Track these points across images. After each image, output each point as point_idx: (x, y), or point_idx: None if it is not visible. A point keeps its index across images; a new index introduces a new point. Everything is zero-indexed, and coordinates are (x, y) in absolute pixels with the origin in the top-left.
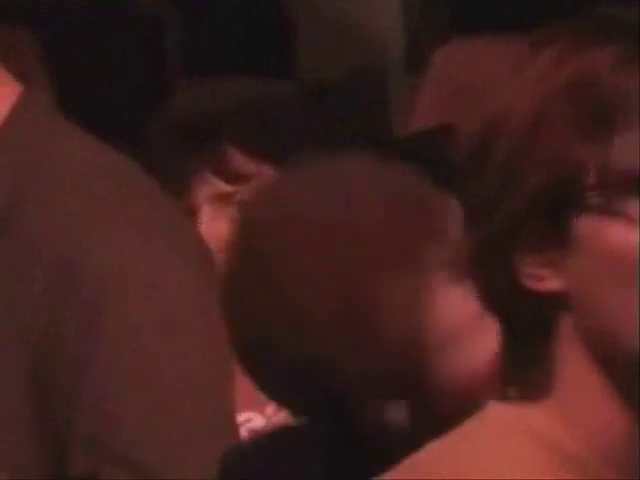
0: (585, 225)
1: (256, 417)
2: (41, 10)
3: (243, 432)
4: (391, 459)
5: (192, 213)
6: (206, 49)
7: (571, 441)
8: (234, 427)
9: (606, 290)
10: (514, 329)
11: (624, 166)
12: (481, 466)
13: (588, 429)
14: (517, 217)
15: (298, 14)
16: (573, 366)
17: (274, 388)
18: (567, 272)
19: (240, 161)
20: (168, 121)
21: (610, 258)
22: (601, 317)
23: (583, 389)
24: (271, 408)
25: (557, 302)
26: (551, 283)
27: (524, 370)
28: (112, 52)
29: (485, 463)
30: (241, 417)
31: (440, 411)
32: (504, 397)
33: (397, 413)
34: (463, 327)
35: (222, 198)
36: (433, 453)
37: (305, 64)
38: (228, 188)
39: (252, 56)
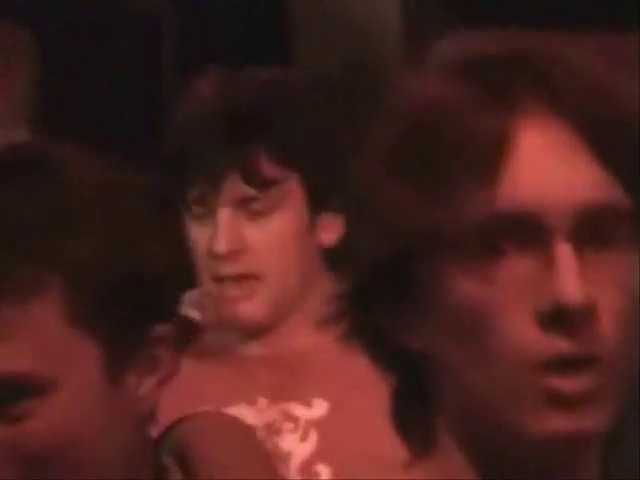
0: (433, 283)
1: (248, 411)
2: (38, 9)
3: None
4: None
5: (213, 212)
6: (204, 42)
7: None
8: None
9: (453, 346)
10: (398, 388)
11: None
12: None
13: None
14: (370, 276)
15: (296, 8)
16: (446, 437)
17: None
18: (425, 331)
19: (269, 166)
20: (199, 114)
21: (455, 314)
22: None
23: (455, 466)
24: (263, 402)
25: (426, 363)
26: (414, 341)
27: (409, 430)
28: (109, 51)
29: None
30: (233, 411)
31: None
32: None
33: None
34: None
35: (245, 201)
36: None
37: (303, 58)
38: (252, 192)
39: (250, 50)
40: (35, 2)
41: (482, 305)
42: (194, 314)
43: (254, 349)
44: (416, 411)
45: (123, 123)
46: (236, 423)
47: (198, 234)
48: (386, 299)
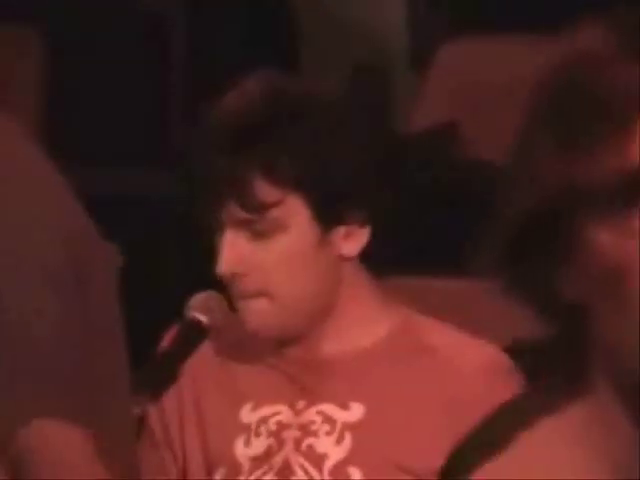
0: (579, 235)
1: (285, 411)
2: (42, 7)
3: (271, 424)
4: None
5: (220, 232)
6: (210, 48)
7: (618, 450)
8: None
9: (600, 296)
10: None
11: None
12: None
13: (629, 435)
14: (522, 229)
15: (302, 13)
16: (599, 378)
17: None
18: (576, 282)
19: (264, 190)
20: (207, 130)
21: (600, 266)
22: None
23: (607, 405)
24: (302, 404)
25: (579, 310)
26: (567, 291)
27: (566, 373)
28: (115, 50)
29: None
30: (269, 410)
31: None
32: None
33: None
34: None
35: (242, 223)
36: None
37: (309, 63)
38: (246, 216)
39: (255, 55)
40: (40, 2)
41: (624, 257)
42: (202, 317)
43: (292, 350)
44: (573, 355)
45: (129, 123)
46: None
47: (217, 248)
48: (539, 251)
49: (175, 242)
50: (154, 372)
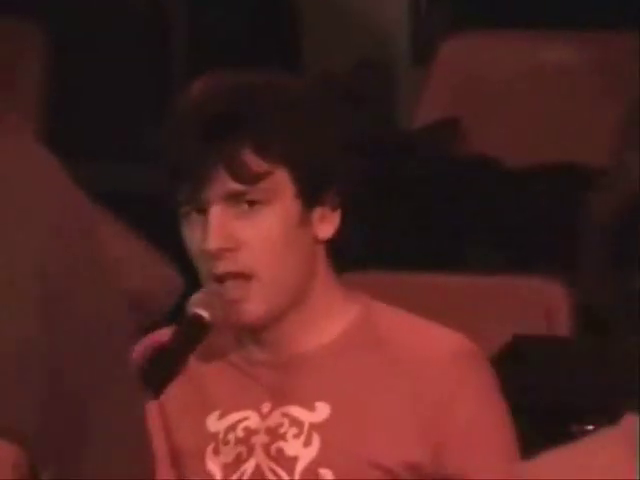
0: None
1: (252, 416)
2: (43, 2)
3: (239, 431)
4: None
5: (203, 210)
6: (211, 40)
7: None
8: None
9: None
10: None
11: None
12: None
13: None
14: None
15: (305, 6)
16: None
17: None
18: None
19: (254, 161)
20: (185, 114)
21: None
22: None
23: None
24: (267, 407)
25: None
26: None
27: None
28: (115, 44)
29: None
30: (236, 416)
31: None
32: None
33: None
34: None
35: (233, 196)
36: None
37: (312, 56)
38: (239, 187)
39: (259, 47)
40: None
41: None
42: (204, 313)
43: (257, 352)
44: None
45: (128, 117)
46: None
47: (191, 234)
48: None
49: (177, 240)
50: (156, 369)
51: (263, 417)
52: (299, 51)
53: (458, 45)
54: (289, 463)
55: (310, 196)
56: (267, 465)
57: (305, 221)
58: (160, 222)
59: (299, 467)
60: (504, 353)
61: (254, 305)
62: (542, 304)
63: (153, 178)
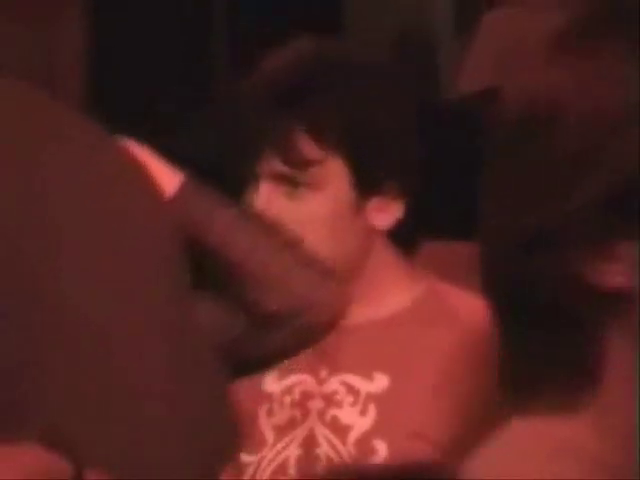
0: None
1: (309, 380)
2: None
3: (295, 394)
4: None
5: (255, 186)
6: (252, 11)
7: (612, 452)
8: None
9: None
10: (547, 327)
11: None
12: None
13: (625, 435)
14: (588, 208)
15: None
16: (621, 367)
17: None
18: (633, 266)
19: (308, 146)
20: (249, 86)
21: None
22: None
23: (627, 393)
24: (324, 373)
25: (616, 299)
26: (615, 278)
27: (556, 377)
28: (157, 18)
29: None
30: (293, 379)
31: None
32: (526, 411)
33: None
34: None
35: (281, 177)
36: None
37: (355, 26)
38: (286, 170)
39: (297, 17)
40: None
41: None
42: None
43: None
44: (576, 351)
45: (172, 87)
46: None
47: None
48: (594, 233)
49: None
50: None
51: (320, 382)
52: (341, 23)
53: (499, 16)
54: (343, 431)
55: (366, 186)
56: (320, 431)
57: (359, 210)
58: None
59: (352, 436)
60: None
61: None
62: None
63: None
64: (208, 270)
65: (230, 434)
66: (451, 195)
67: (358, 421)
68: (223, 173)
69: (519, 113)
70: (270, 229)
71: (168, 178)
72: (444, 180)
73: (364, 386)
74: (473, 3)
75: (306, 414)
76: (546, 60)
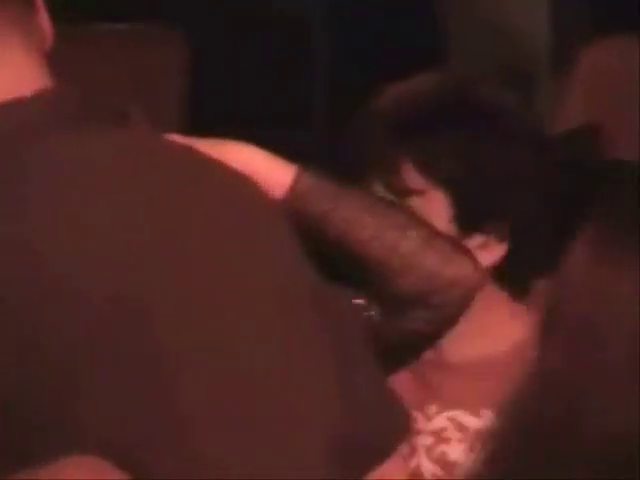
0: None
1: (418, 416)
2: (188, 10)
3: None
4: None
5: None
6: (354, 49)
7: None
8: None
9: None
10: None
11: None
12: None
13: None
14: None
15: (449, 13)
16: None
17: None
18: None
19: (412, 176)
20: (365, 116)
21: None
22: None
23: None
24: (433, 409)
25: None
26: None
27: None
28: (259, 52)
29: None
30: None
31: None
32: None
33: None
34: None
35: None
36: None
37: (455, 64)
38: (391, 198)
39: (402, 53)
40: (185, 4)
41: None
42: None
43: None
44: None
45: (273, 124)
46: None
47: None
48: None
49: None
50: None
51: (428, 418)
52: (442, 59)
53: (598, 51)
54: (451, 467)
55: (467, 223)
56: (427, 467)
57: None
58: None
59: (459, 472)
60: None
61: None
62: None
63: None
64: (328, 263)
65: (402, 416)
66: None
67: (467, 457)
68: None
69: None
70: (395, 210)
71: (281, 173)
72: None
73: (472, 422)
74: (571, 38)
75: (413, 450)
76: None
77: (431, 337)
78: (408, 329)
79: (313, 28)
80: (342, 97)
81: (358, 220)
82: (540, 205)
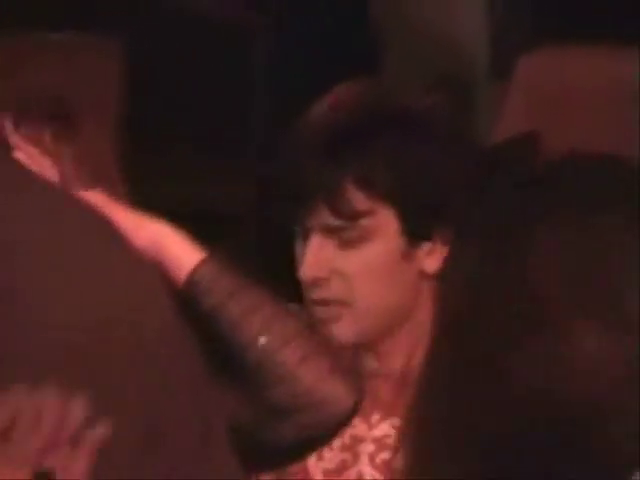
0: None
1: (360, 424)
2: (122, 16)
3: (345, 438)
4: None
5: (304, 237)
6: (291, 58)
7: None
8: None
9: None
10: None
11: None
12: None
13: None
14: None
15: (384, 23)
16: None
17: None
18: None
19: (357, 197)
20: (296, 134)
21: None
22: None
23: None
24: (376, 417)
25: None
26: None
27: None
28: (196, 63)
29: None
30: None
31: None
32: None
33: None
34: None
35: (331, 230)
36: None
37: (391, 73)
38: (337, 222)
39: (337, 65)
40: (123, 14)
41: None
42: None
43: (371, 362)
44: None
45: (211, 137)
46: None
47: (298, 256)
48: None
49: (256, 256)
50: None
51: (371, 426)
52: (378, 68)
53: (537, 60)
54: (393, 474)
55: (416, 234)
56: (370, 474)
57: (409, 256)
58: (238, 240)
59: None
60: None
61: (343, 329)
62: None
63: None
64: (219, 355)
65: None
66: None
67: None
68: (263, 224)
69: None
70: (286, 316)
71: (186, 257)
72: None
73: None
74: (510, 46)
75: (356, 457)
76: None
77: (302, 452)
78: (279, 438)
79: (250, 37)
80: (278, 110)
81: (244, 321)
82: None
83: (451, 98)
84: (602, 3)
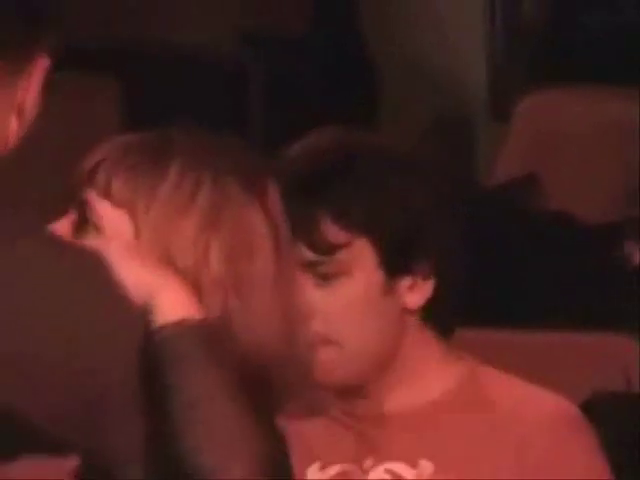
0: None
1: (354, 470)
2: (121, 56)
3: None
4: None
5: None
6: (288, 98)
7: None
8: None
9: None
10: None
11: None
12: None
13: None
14: None
15: (384, 65)
16: None
17: None
18: None
19: (332, 231)
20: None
21: None
22: None
23: None
24: (369, 462)
25: None
26: None
27: None
28: (192, 101)
29: None
30: (338, 469)
31: None
32: None
33: None
34: None
35: (308, 266)
36: None
37: (390, 115)
38: (313, 257)
39: (335, 105)
40: (120, 53)
41: None
42: None
43: (359, 405)
44: None
45: None
46: None
47: None
48: None
49: None
50: None
51: (364, 472)
52: (377, 109)
53: (536, 101)
54: None
55: (395, 267)
56: None
57: (389, 291)
58: None
59: None
60: (583, 410)
61: (331, 371)
62: (619, 361)
63: None
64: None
65: None
66: (487, 281)
67: None
68: None
69: None
70: (230, 401)
71: (180, 305)
72: (480, 265)
73: (409, 474)
74: (510, 87)
75: None
76: None
77: None
78: None
79: (246, 77)
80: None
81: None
82: (461, 240)
83: (450, 138)
84: (601, 44)
